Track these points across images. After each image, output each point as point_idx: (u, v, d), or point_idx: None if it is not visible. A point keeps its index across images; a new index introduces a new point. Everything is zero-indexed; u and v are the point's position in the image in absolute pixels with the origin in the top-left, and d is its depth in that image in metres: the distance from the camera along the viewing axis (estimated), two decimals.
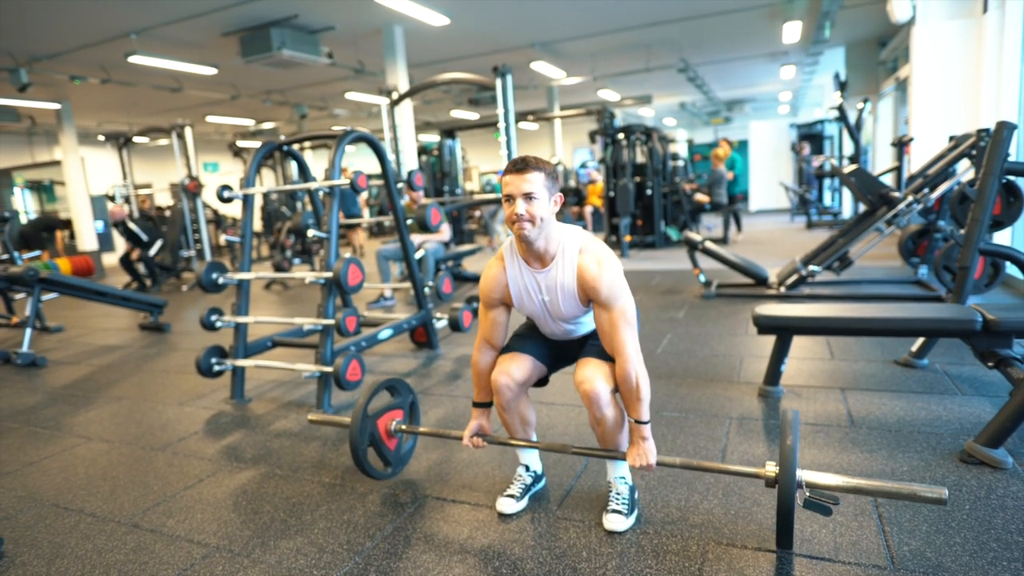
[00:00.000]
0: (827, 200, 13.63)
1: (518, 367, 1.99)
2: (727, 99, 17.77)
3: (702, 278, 5.55)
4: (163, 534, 2.06)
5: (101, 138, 12.00)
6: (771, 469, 1.72)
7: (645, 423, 1.81)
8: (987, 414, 2.58)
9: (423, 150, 11.18)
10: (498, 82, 6.19)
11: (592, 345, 1.98)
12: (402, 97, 7.13)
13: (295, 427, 3.00)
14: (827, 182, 13.52)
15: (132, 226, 8.04)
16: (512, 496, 2.08)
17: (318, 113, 14.45)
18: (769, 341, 3.79)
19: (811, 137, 14.36)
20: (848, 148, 11.62)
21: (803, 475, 1.66)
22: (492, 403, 2.07)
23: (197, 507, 2.24)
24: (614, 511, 1.94)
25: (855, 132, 9.57)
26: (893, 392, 2.90)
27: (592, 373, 1.86)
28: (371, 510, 2.14)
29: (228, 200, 3.40)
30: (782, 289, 5.18)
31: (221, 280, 3.41)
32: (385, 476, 2.27)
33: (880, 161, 10.65)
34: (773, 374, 2.95)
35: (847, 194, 12.52)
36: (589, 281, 1.78)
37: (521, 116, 10.70)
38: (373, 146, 3.65)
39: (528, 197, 1.72)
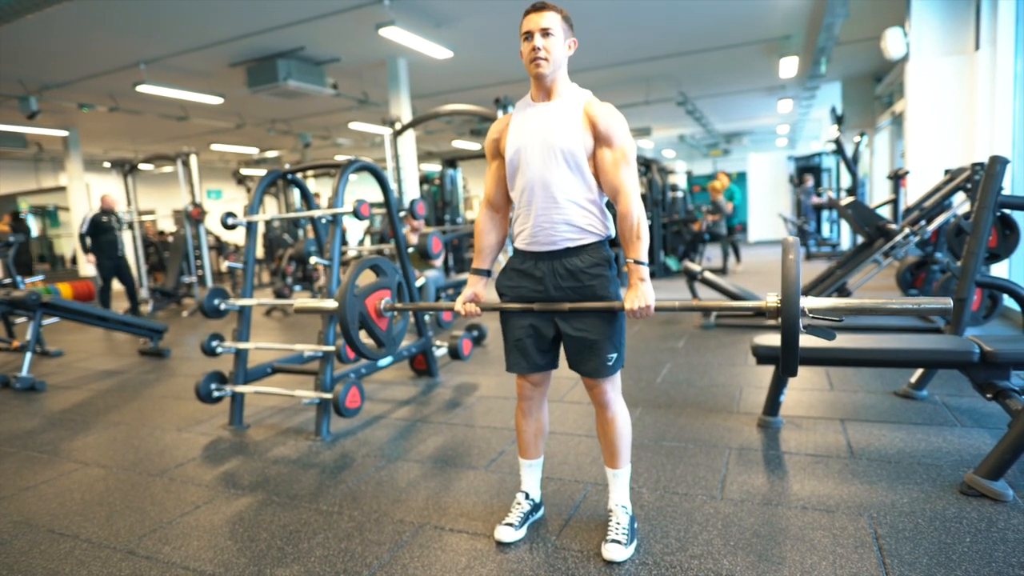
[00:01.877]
0: (825, 231, 13.75)
1: (537, 378, 2.06)
2: (725, 131, 18.02)
3: None
4: (159, 561, 2.05)
5: (107, 165, 12.15)
6: (773, 300, 1.72)
7: (643, 264, 1.81)
8: (987, 446, 2.57)
9: (425, 179, 11.30)
10: (500, 113, 6.29)
11: (597, 357, 1.90)
12: (405, 127, 7.24)
13: (293, 454, 2.98)
14: (825, 214, 13.65)
15: (106, 220, 7.72)
16: (511, 524, 2.07)
17: (322, 142, 14.65)
18: (768, 371, 3.80)
19: (809, 169, 14.53)
20: (845, 181, 11.76)
21: (804, 302, 1.67)
22: (489, 272, 2.09)
23: (194, 534, 2.23)
24: (613, 540, 1.93)
25: (852, 165, 9.70)
26: (893, 423, 2.90)
27: (596, 384, 1.95)
28: (368, 538, 2.13)
29: (232, 227, 3.44)
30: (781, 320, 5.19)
31: (223, 306, 3.43)
32: (380, 357, 2.25)
33: (877, 193, 10.76)
34: (772, 404, 2.95)
35: (846, 225, 12.63)
36: (596, 113, 1.82)
37: None
38: (376, 175, 3.71)
39: (545, 33, 1.79)
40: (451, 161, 10.59)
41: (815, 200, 12.43)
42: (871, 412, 3.06)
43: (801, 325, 1.64)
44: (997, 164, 2.94)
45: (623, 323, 1.96)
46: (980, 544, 1.87)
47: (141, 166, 9.53)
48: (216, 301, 3.44)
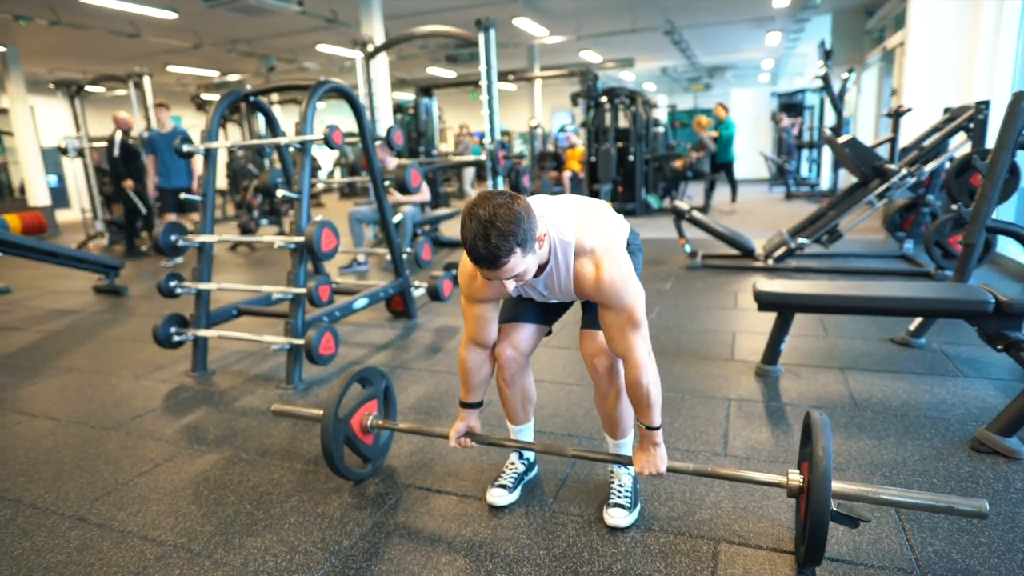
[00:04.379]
0: (804, 171, 13.60)
1: (523, 337, 1.82)
2: (709, 65, 17.47)
3: (688, 248, 5.41)
4: (113, 529, 1.84)
5: (51, 86, 11.25)
6: (795, 478, 1.57)
7: (657, 429, 1.63)
8: (992, 398, 2.49)
9: (398, 108, 10.75)
10: (481, 36, 5.83)
11: (594, 308, 1.75)
12: (378, 49, 6.73)
13: (263, 404, 2.77)
14: (805, 153, 13.46)
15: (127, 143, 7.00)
16: (504, 486, 1.91)
17: (287, 66, 13.77)
18: (761, 316, 3.67)
19: (791, 107, 14.24)
20: (830, 118, 11.52)
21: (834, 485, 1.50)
22: (481, 403, 1.88)
23: (152, 497, 2.02)
24: (616, 505, 1.79)
25: (838, 102, 9.44)
26: (894, 373, 2.79)
27: (598, 346, 1.72)
28: (348, 502, 1.95)
29: (188, 155, 3.09)
30: (769, 261, 5.07)
31: (180, 243, 3.12)
32: (366, 475, 2.07)
33: (862, 132, 10.58)
34: (772, 353, 2.81)
35: (825, 165, 12.49)
36: (588, 288, 1.55)
37: (500, 76, 10.30)
38: (349, 99, 3.35)
39: (516, 277, 1.43)
40: (426, 89, 10.06)
41: (782, 124, 12.19)
42: (870, 361, 2.95)
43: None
44: (1023, 101, 2.74)
45: (636, 262, 1.77)
46: (1000, 506, 1.77)
47: (89, 88, 8.82)
48: (173, 237, 3.13)
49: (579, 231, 1.54)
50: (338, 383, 1.96)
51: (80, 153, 8.36)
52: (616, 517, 1.76)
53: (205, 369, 3.21)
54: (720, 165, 9.64)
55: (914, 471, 1.98)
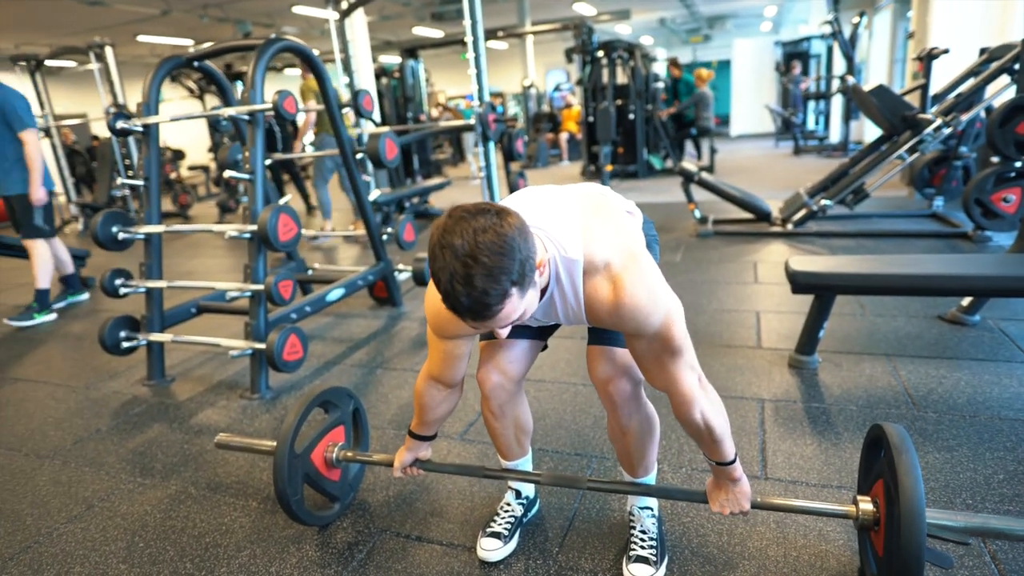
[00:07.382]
0: (811, 123, 13.01)
1: (512, 357, 1.44)
2: (709, 15, 16.66)
3: (697, 214, 4.98)
4: None
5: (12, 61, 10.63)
6: (866, 507, 1.26)
7: (732, 463, 1.28)
8: None
9: (383, 72, 10.15)
10: None
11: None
12: (353, 6, 6.17)
13: (223, 420, 2.41)
14: (811, 104, 12.85)
15: None
16: (497, 535, 1.55)
17: (264, 31, 13.08)
18: (787, 292, 3.28)
19: (797, 56, 13.55)
20: (838, 67, 10.93)
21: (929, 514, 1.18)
22: (434, 436, 1.55)
23: (78, 553, 1.67)
24: (639, 559, 1.43)
25: (850, 49, 8.87)
26: (950, 360, 2.41)
27: (615, 367, 1.33)
28: (309, 556, 1.60)
29: (122, 132, 2.65)
30: (788, 226, 4.64)
31: (121, 236, 2.70)
32: (333, 517, 1.71)
33: (875, 80, 9.99)
34: (809, 341, 2.42)
35: (835, 117, 11.92)
36: (606, 316, 1.15)
37: (490, 33, 9.71)
38: (306, 58, 2.90)
39: (513, 322, 1.05)
40: (411, 51, 9.47)
41: (793, 74, 11.61)
42: (920, 345, 2.56)
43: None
44: None
45: (653, 256, 1.37)
46: None
47: (53, 63, 8.26)
48: (113, 229, 2.71)
49: (587, 243, 1.13)
50: (293, 412, 1.59)
51: (47, 132, 7.87)
52: (641, 575, 1.40)
53: (163, 376, 2.84)
54: (688, 123, 9.12)
55: (1003, 496, 1.62)
